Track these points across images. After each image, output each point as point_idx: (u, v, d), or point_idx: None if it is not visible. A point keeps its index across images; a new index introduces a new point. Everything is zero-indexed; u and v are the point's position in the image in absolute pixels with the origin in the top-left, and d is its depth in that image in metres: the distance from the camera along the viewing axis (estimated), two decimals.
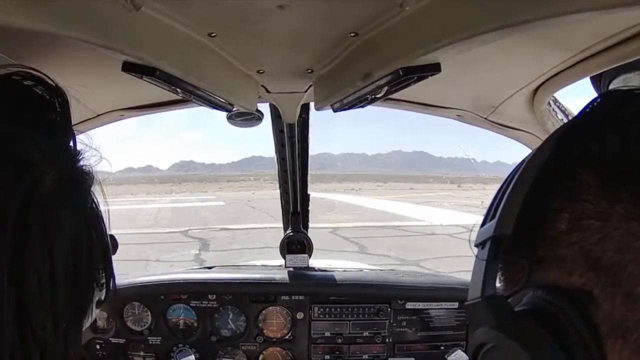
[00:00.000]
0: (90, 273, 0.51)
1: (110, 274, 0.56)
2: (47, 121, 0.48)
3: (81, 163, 0.50)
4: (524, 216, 0.35)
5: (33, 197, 0.42)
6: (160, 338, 1.48)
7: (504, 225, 0.36)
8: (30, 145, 0.43)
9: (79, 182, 0.49)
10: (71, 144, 0.50)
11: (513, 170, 0.39)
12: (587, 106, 0.38)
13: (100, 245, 0.52)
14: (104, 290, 0.56)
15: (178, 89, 0.73)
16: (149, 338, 1.48)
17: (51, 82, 0.49)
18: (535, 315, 0.33)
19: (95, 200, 0.52)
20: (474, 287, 0.37)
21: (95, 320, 1.44)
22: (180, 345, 1.48)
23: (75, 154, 0.50)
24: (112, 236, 0.59)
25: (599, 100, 0.37)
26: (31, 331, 0.42)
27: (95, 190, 0.52)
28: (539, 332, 0.32)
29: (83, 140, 0.51)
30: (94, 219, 0.52)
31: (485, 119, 1.08)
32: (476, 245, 0.39)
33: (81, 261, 0.47)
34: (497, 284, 0.38)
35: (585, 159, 0.34)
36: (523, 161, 0.38)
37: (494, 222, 0.37)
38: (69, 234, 0.46)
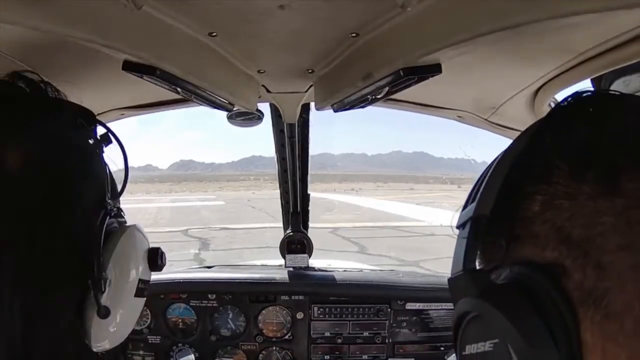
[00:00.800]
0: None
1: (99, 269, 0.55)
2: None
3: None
4: (501, 199, 0.39)
5: None
6: (159, 337, 1.48)
7: (482, 207, 0.40)
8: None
9: None
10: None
11: (493, 160, 0.42)
12: (559, 104, 0.41)
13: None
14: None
15: (178, 89, 0.73)
16: (148, 337, 1.47)
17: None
18: (513, 286, 0.36)
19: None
20: (456, 263, 0.40)
21: None
22: (179, 344, 1.48)
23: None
24: (156, 249, 0.64)
25: (569, 99, 0.41)
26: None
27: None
28: (517, 301, 0.35)
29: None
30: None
31: (486, 120, 1.08)
32: (457, 227, 0.43)
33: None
34: (477, 264, 0.41)
35: (557, 148, 0.37)
36: (502, 152, 0.42)
37: (473, 204, 0.40)
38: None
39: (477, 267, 0.40)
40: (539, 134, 0.40)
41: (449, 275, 0.41)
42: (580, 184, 0.34)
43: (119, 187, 0.64)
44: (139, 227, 0.63)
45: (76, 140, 0.58)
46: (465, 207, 0.42)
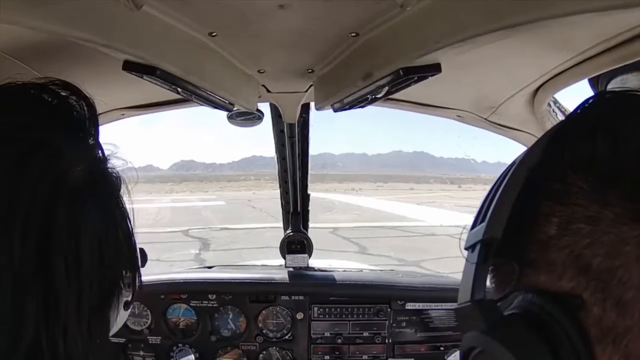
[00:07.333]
0: (116, 269, 0.53)
1: (136, 276, 0.58)
2: (76, 125, 0.50)
3: (110, 166, 0.53)
4: (513, 219, 0.35)
5: (62, 184, 0.45)
6: (160, 338, 1.48)
7: (493, 228, 0.36)
8: (62, 140, 0.47)
9: (106, 181, 0.52)
10: (100, 151, 0.53)
11: (503, 172, 0.39)
12: (577, 108, 0.38)
13: (126, 246, 0.54)
14: (131, 292, 0.57)
15: (178, 89, 0.73)
16: (148, 337, 1.47)
17: (84, 93, 0.52)
18: (525, 319, 0.33)
19: (124, 203, 0.55)
20: (464, 291, 0.37)
21: None
22: (180, 345, 1.48)
23: (103, 157, 0.53)
24: (141, 249, 0.62)
25: (590, 102, 0.37)
26: (55, 314, 0.43)
27: (124, 195, 0.55)
28: (528, 337, 0.32)
29: (110, 149, 0.54)
30: (121, 219, 0.54)
31: (486, 119, 1.08)
32: (466, 249, 0.39)
33: (106, 254, 0.49)
34: (487, 285, 0.38)
35: (576, 162, 0.34)
36: (513, 163, 0.38)
37: (483, 225, 0.36)
38: (96, 225, 0.48)
39: (487, 297, 0.37)
40: (555, 144, 0.36)
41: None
42: (602, 207, 0.31)
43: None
44: None
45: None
46: (474, 225, 0.39)
